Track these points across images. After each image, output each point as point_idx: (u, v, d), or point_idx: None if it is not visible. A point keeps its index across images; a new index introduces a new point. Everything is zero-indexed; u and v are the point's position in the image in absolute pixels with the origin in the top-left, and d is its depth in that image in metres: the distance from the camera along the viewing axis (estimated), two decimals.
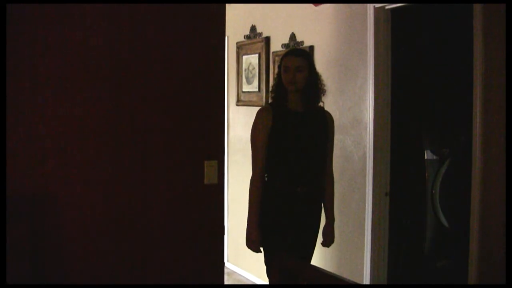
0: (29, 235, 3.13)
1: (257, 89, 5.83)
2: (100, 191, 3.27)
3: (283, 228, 3.74)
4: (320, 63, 4.95)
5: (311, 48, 5.08)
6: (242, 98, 6.07)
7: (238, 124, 6.24)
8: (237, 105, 6.16)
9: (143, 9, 3.31)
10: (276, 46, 5.57)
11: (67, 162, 3.19)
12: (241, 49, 6.11)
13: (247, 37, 6.01)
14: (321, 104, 3.91)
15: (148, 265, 3.39)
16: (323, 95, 3.90)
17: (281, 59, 3.85)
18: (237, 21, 6.10)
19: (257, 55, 5.83)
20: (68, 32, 3.12)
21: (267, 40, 5.70)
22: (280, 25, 5.53)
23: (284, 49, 5.37)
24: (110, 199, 3.30)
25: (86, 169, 3.24)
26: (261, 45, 5.77)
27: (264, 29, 5.79)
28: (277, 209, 3.75)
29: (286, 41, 5.38)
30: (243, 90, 6.08)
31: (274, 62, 5.53)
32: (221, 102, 3.60)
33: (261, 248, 3.80)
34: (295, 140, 3.75)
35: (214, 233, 3.58)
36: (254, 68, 5.89)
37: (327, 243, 3.99)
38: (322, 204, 3.96)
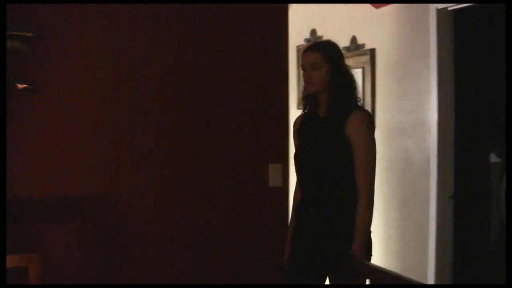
0: (96, 236, 3.23)
1: None
2: (165, 194, 3.35)
3: (294, 250, 3.30)
4: (382, 66, 4.94)
5: (372, 51, 5.06)
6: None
7: None
8: (298, 108, 6.17)
9: (207, 9, 3.36)
10: None
11: (134, 166, 3.27)
12: (300, 52, 6.12)
13: (307, 40, 6.02)
14: (360, 104, 3.28)
15: (212, 267, 3.44)
16: (354, 95, 3.23)
17: None
18: (296, 25, 6.09)
19: None
20: (136, 34, 3.21)
21: None
22: (341, 28, 5.53)
23: (345, 52, 5.36)
24: (175, 202, 3.36)
25: (152, 173, 3.32)
26: None
27: (324, 33, 5.80)
28: (294, 228, 3.31)
29: (347, 44, 5.37)
30: None
31: None
32: (285, 106, 3.64)
33: None
34: (305, 153, 3.27)
35: (278, 236, 3.58)
36: None
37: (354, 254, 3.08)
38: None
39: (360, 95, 3.38)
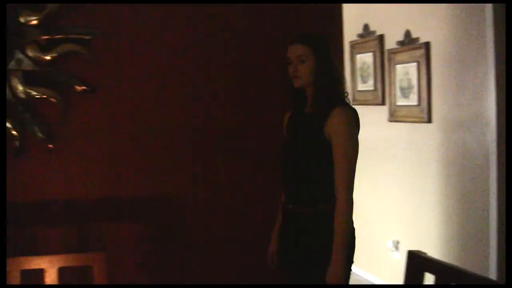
0: (157, 235, 3.27)
1: (372, 88, 5.80)
2: (222, 193, 3.37)
3: (279, 249, 3.17)
4: (437, 59, 4.87)
5: (427, 44, 4.99)
6: (357, 97, 6.05)
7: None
8: (352, 104, 6.12)
9: (267, 9, 3.38)
10: (390, 43, 5.52)
11: (192, 166, 3.31)
12: (354, 48, 6.10)
13: (360, 35, 5.99)
14: (347, 99, 3.07)
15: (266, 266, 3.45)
16: (340, 90, 3.03)
17: None
18: (349, 20, 6.05)
19: (371, 53, 5.81)
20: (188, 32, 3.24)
21: (381, 38, 5.66)
22: (394, 23, 5.47)
23: (399, 46, 5.32)
24: (234, 203, 3.38)
25: (209, 173, 3.35)
26: (374, 43, 5.74)
27: (377, 27, 5.76)
28: (281, 227, 3.16)
29: (401, 38, 5.31)
30: (358, 89, 6.07)
31: (389, 60, 5.49)
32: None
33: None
34: (286, 151, 3.11)
35: None
36: (368, 67, 5.86)
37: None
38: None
39: (348, 89, 3.27)
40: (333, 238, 2.86)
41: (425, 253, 2.54)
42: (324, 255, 2.87)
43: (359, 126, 3.01)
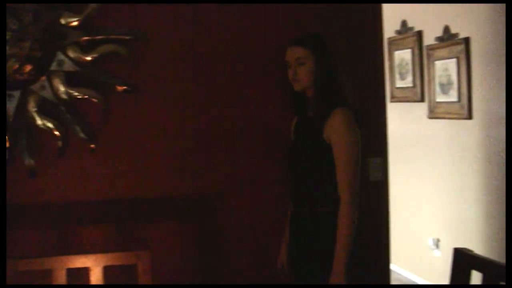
0: (201, 234, 3.28)
1: (411, 85, 5.75)
2: (262, 192, 3.36)
3: (289, 258, 3.13)
4: (477, 55, 4.82)
5: (467, 40, 4.93)
6: (395, 94, 6.00)
7: (393, 121, 6.17)
8: (391, 101, 6.09)
9: (305, 8, 3.36)
10: (429, 39, 5.47)
11: (232, 165, 3.31)
12: (392, 44, 6.05)
13: (398, 32, 5.94)
14: (348, 100, 2.97)
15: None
16: (340, 92, 2.95)
17: None
18: (387, 17, 5.98)
19: (409, 50, 5.76)
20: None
21: (419, 34, 5.61)
22: (432, 18, 5.42)
23: (438, 42, 5.26)
24: (275, 201, 3.37)
25: (249, 172, 3.34)
26: (413, 39, 5.70)
27: (415, 23, 5.71)
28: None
29: (440, 34, 5.26)
30: (397, 86, 6.02)
31: (428, 56, 5.44)
32: (382, 100, 3.59)
33: None
34: (289, 154, 3.09)
35: (379, 231, 3.57)
36: (407, 64, 5.81)
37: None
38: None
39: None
40: (334, 241, 2.80)
41: (471, 251, 2.50)
42: (325, 258, 2.82)
43: (358, 126, 2.90)
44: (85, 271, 2.53)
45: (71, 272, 2.53)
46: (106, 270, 2.54)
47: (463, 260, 2.47)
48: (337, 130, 2.83)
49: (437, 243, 5.53)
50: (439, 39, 5.26)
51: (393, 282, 5.96)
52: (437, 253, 5.53)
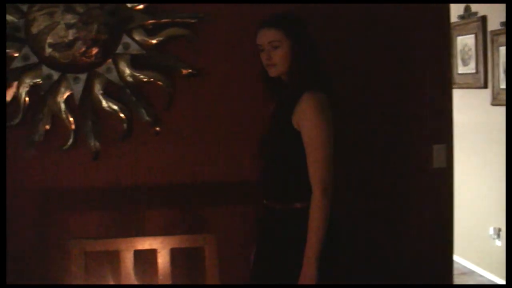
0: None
1: (474, 71, 5.63)
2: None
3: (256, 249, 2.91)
4: None
5: None
6: (457, 80, 5.89)
7: (454, 108, 6.07)
8: (452, 88, 5.98)
9: (371, 8, 3.33)
10: (493, 25, 5.34)
11: None
12: (455, 30, 5.92)
13: (461, 17, 5.82)
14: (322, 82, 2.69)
15: (370, 259, 3.39)
16: (316, 74, 2.69)
17: None
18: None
19: (473, 35, 5.64)
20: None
21: (483, 19, 5.49)
22: (497, 3, 5.29)
23: (503, 27, 5.13)
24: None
25: None
26: (476, 24, 5.57)
27: (479, 8, 5.58)
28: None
29: (505, 19, 5.13)
30: (459, 72, 5.91)
31: (492, 42, 5.32)
32: (448, 86, 3.54)
33: None
34: (261, 144, 2.86)
35: (443, 221, 3.52)
36: (470, 49, 5.69)
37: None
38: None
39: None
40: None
41: None
42: (294, 256, 2.59)
43: (329, 111, 2.63)
44: (152, 253, 2.55)
45: (138, 254, 2.55)
46: (173, 252, 2.55)
47: None
48: (305, 115, 2.58)
49: (498, 233, 5.43)
50: (504, 24, 5.12)
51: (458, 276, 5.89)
52: (498, 242, 5.43)
